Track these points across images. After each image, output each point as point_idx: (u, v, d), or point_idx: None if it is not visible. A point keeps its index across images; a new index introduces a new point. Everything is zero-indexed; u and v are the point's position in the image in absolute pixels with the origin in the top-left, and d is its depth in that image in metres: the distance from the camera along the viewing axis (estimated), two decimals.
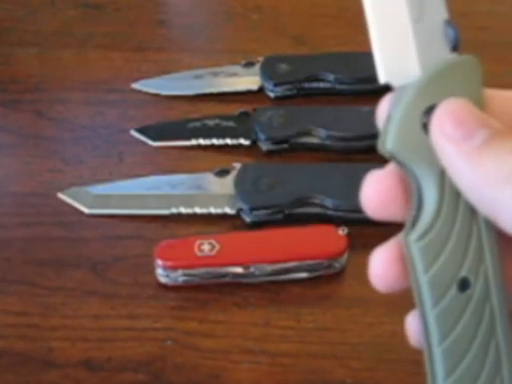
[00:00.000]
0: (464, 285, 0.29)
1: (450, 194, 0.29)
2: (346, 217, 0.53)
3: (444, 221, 0.29)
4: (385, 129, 0.29)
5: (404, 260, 0.30)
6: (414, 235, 0.29)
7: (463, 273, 0.29)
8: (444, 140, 0.28)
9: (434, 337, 0.30)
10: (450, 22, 0.30)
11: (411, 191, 0.30)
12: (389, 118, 0.29)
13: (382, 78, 0.30)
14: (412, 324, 0.32)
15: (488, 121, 0.28)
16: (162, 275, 0.50)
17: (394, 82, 0.30)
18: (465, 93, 0.29)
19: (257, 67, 0.63)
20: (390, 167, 0.30)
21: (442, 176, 0.29)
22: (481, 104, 0.29)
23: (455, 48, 0.31)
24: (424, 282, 0.29)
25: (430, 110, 0.28)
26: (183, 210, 0.54)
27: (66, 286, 0.50)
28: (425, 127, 0.29)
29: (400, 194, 0.30)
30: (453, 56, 0.30)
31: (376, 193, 0.31)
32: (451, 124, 0.28)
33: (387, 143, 0.29)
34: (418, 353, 0.47)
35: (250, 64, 0.64)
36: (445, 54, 0.30)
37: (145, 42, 0.68)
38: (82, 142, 0.60)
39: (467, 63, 0.30)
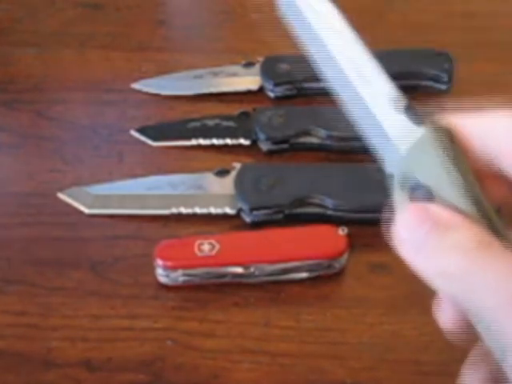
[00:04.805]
0: None
1: None
2: (346, 217, 0.53)
3: None
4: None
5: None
6: None
7: None
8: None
9: None
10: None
11: None
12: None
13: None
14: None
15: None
16: (162, 275, 0.50)
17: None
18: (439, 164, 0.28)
19: (257, 67, 0.63)
20: None
21: None
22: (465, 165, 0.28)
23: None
24: None
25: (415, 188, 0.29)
26: (183, 210, 0.54)
27: (65, 286, 0.50)
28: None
29: None
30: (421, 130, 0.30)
31: None
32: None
33: None
34: (418, 353, 0.47)
35: (249, 64, 0.64)
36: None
37: (145, 42, 0.68)
38: (82, 142, 0.60)
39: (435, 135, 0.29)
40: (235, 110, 0.61)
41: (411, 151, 0.29)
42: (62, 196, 0.55)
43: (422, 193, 0.29)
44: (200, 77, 0.64)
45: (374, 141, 0.31)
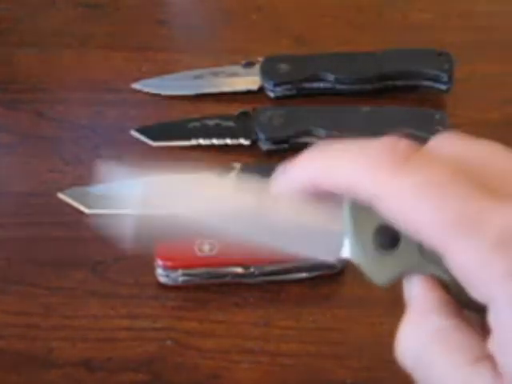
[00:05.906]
0: None
1: None
2: None
3: None
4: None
5: None
6: None
7: None
8: None
9: None
10: None
11: None
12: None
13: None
14: None
15: None
16: (161, 275, 0.50)
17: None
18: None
19: (257, 67, 0.63)
20: None
21: None
22: None
23: None
24: None
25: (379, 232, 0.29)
26: None
27: (66, 285, 0.50)
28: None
29: None
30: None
31: None
32: None
33: (380, 281, 0.30)
34: None
35: (250, 64, 0.64)
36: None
37: (145, 42, 0.68)
38: (82, 142, 0.60)
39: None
40: (235, 110, 0.61)
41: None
42: (62, 196, 0.55)
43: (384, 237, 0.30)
44: (200, 77, 0.64)
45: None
